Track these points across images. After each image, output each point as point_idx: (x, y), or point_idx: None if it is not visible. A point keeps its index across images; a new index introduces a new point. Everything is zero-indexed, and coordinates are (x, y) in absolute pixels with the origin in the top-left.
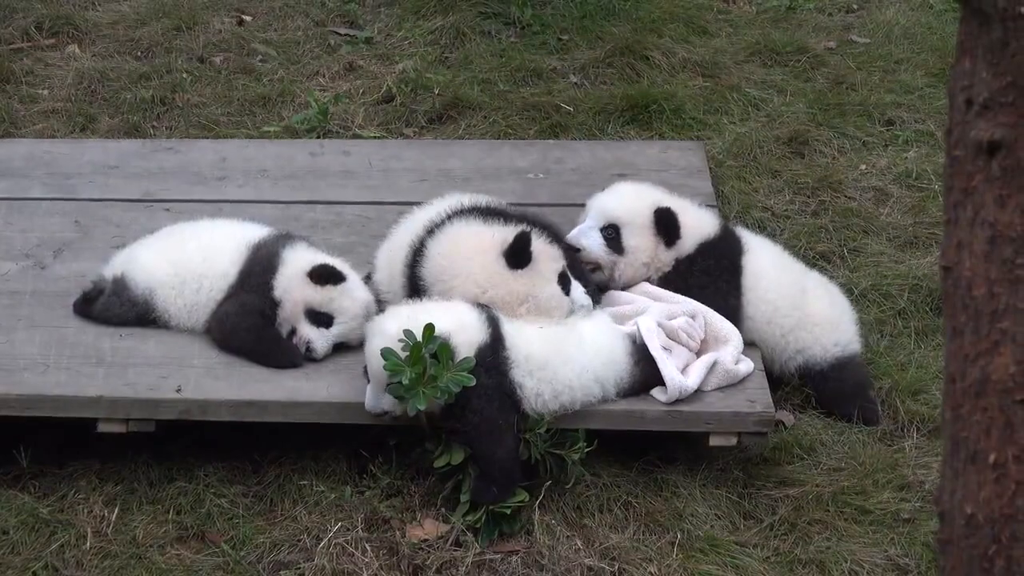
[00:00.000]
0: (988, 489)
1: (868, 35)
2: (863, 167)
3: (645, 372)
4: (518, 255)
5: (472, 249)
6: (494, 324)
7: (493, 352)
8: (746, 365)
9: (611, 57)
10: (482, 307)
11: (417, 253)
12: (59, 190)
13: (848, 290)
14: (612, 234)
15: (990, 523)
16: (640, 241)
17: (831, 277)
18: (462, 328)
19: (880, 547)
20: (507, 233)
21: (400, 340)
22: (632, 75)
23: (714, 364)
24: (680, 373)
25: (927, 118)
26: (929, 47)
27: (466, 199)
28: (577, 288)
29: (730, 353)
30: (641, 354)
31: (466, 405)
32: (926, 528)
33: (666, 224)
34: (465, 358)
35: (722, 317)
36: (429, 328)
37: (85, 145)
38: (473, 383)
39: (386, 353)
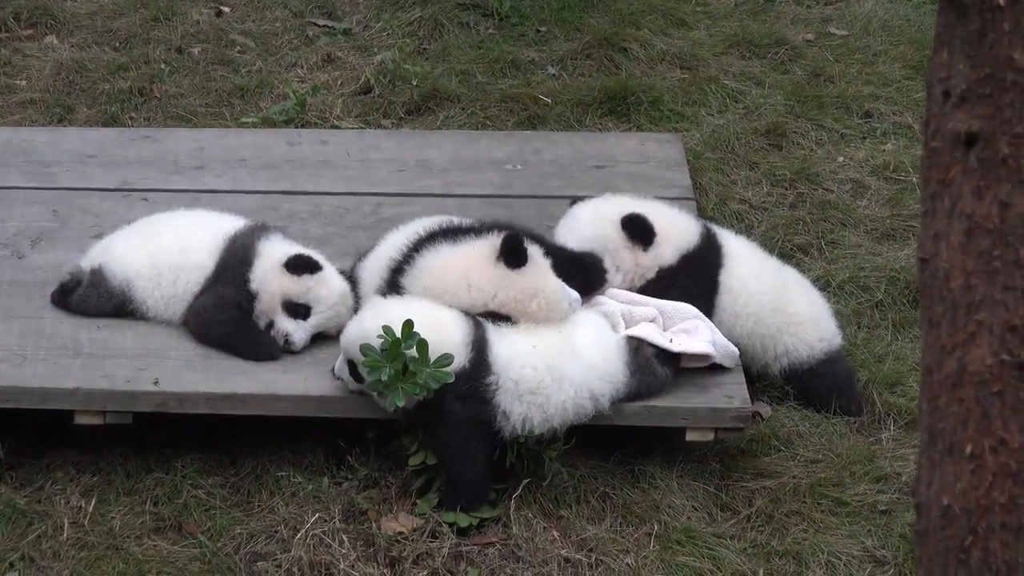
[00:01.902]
0: (965, 480)
1: (846, 27)
2: (841, 159)
3: (641, 383)
4: (516, 254)
5: (466, 265)
6: (479, 347)
7: (472, 379)
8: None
9: (589, 49)
10: (473, 326)
11: (398, 272)
12: (37, 179)
13: (826, 283)
14: None
15: (967, 514)
16: (622, 259)
17: (808, 269)
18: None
19: (857, 539)
20: (490, 241)
21: (379, 336)
22: (610, 67)
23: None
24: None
25: (905, 110)
26: (907, 39)
27: (431, 222)
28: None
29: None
30: (638, 364)
31: (438, 423)
32: (903, 520)
33: (636, 229)
34: (444, 354)
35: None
36: (408, 324)
37: (63, 133)
38: (452, 379)
39: (365, 349)
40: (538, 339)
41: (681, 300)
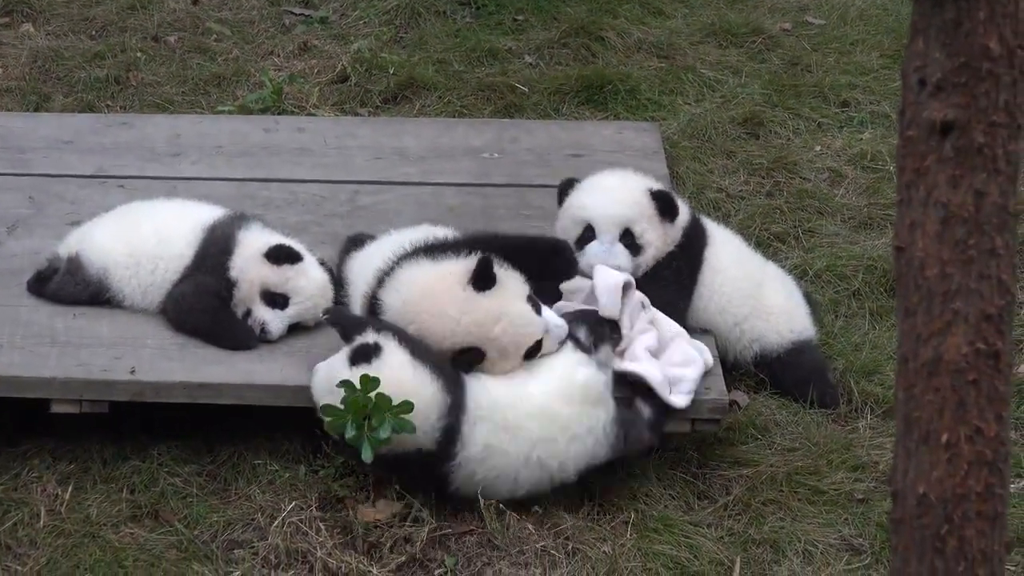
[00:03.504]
0: (941, 469)
1: (823, 16)
2: (818, 148)
3: (623, 441)
4: (483, 278)
5: (437, 287)
6: (449, 433)
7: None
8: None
9: (566, 38)
10: (448, 393)
11: (375, 302)
12: (13, 165)
13: (803, 271)
14: (629, 240)
15: (942, 503)
16: (654, 234)
17: (785, 258)
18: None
19: (834, 527)
20: (466, 264)
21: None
22: (587, 56)
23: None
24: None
25: (882, 99)
26: (884, 28)
27: (419, 235)
28: (549, 312)
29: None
30: (623, 417)
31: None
32: (880, 508)
33: (666, 203)
34: (404, 401)
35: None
36: (366, 379)
37: (39, 119)
38: (414, 431)
39: (325, 410)
40: (510, 394)
41: (672, 282)
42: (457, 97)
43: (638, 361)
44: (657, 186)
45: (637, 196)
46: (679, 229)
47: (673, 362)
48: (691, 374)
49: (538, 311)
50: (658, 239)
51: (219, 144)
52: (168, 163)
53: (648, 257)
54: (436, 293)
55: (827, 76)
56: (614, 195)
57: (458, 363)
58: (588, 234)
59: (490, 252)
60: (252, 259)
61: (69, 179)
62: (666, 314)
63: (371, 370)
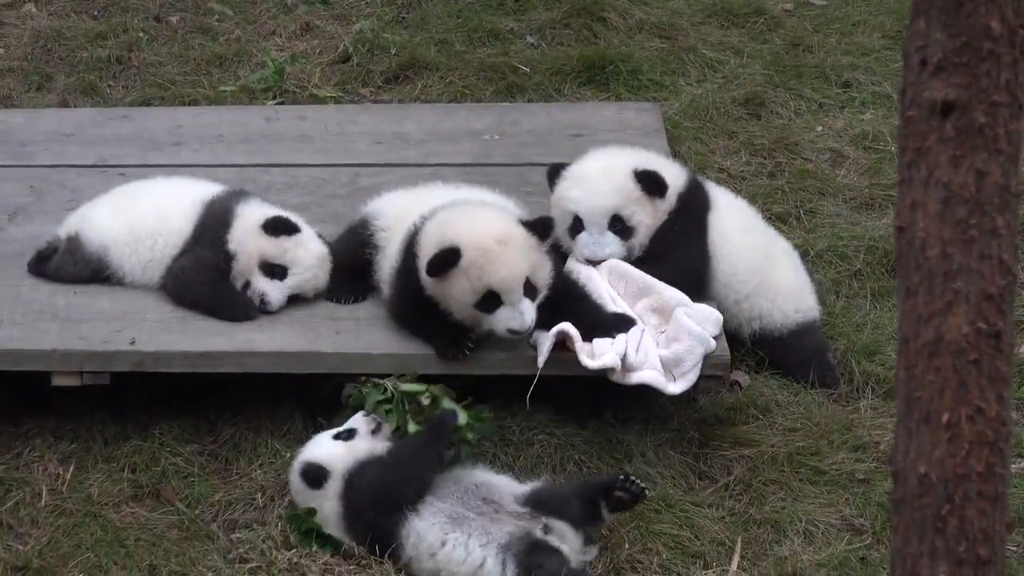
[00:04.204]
0: (941, 449)
1: None
2: (819, 129)
3: None
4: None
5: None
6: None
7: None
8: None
9: (568, 18)
10: None
11: None
12: (14, 157)
13: (804, 252)
14: (619, 225)
15: (943, 483)
16: (643, 215)
17: (787, 239)
18: None
19: (835, 507)
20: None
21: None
22: (589, 36)
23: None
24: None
25: (884, 80)
26: (886, 9)
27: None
28: (504, 313)
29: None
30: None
31: None
32: (881, 489)
33: (650, 181)
34: None
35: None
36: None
37: (40, 115)
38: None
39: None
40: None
41: (681, 242)
42: (459, 77)
43: (640, 369)
44: (644, 165)
45: (621, 181)
46: (674, 194)
47: (672, 338)
48: (690, 353)
49: (491, 309)
50: (648, 217)
51: (220, 133)
52: (169, 152)
53: (641, 236)
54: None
55: (829, 57)
56: (598, 185)
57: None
58: (578, 225)
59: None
60: (250, 231)
61: (70, 169)
62: (684, 275)
63: None
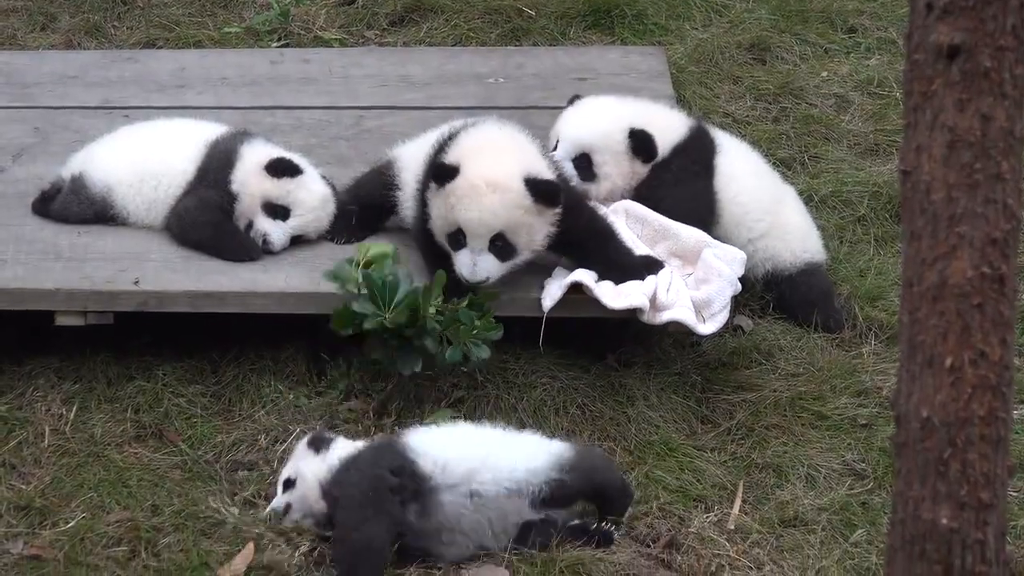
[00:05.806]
0: (944, 393)
1: None
2: (824, 74)
3: None
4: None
5: None
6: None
7: None
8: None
9: None
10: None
11: None
12: (18, 99)
13: (808, 197)
14: (584, 163)
15: (945, 426)
16: (615, 168)
17: (791, 184)
18: None
19: (837, 452)
20: None
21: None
22: None
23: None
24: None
25: (889, 25)
26: None
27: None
28: (463, 257)
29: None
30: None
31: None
32: (883, 434)
33: (644, 146)
34: None
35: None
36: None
37: (44, 56)
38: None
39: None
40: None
41: (676, 186)
42: (464, 20)
43: (670, 307)
44: (642, 120)
45: (610, 128)
46: (663, 147)
47: (701, 279)
48: (720, 295)
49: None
50: (621, 173)
51: (224, 76)
52: (173, 94)
53: (608, 186)
54: None
55: (834, 1)
56: (584, 119)
57: None
58: (555, 150)
59: None
60: (253, 172)
61: (74, 110)
62: (688, 211)
63: None
